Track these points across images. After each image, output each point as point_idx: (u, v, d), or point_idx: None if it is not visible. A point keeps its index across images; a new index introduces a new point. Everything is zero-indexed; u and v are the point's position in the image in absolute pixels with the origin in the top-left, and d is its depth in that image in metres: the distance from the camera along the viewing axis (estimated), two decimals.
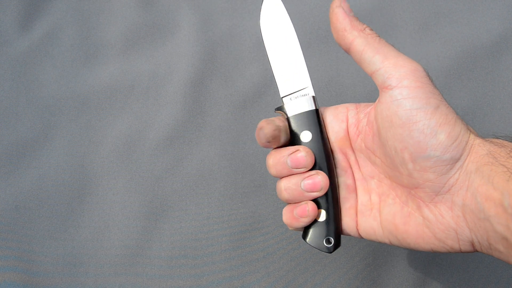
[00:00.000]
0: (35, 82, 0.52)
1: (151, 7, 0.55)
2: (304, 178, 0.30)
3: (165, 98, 0.50)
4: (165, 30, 0.54)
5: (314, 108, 0.32)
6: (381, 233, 0.30)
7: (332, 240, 0.31)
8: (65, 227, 0.45)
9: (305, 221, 0.30)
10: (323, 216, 0.31)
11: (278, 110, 0.32)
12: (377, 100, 0.29)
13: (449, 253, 0.42)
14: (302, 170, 0.30)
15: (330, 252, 0.31)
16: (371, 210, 0.31)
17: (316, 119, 0.31)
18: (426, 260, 0.42)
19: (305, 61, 0.33)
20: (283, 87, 0.32)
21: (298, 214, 0.30)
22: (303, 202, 0.30)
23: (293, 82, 0.32)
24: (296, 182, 0.30)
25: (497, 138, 0.27)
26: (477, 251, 0.27)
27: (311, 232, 0.31)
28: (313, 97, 0.32)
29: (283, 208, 0.45)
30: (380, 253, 0.43)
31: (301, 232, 0.45)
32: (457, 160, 0.26)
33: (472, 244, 0.26)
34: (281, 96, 0.33)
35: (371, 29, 0.30)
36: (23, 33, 0.54)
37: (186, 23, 0.53)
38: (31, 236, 0.45)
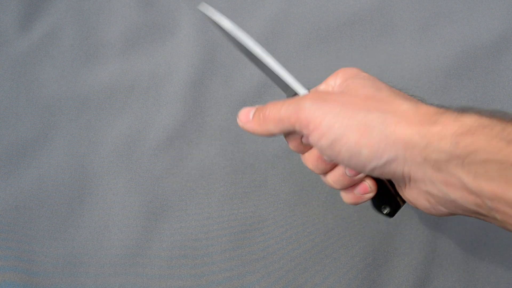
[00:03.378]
0: (35, 82, 0.52)
1: (151, 7, 0.55)
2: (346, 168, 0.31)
3: (165, 98, 0.50)
4: (165, 30, 0.54)
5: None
6: None
7: (388, 207, 0.33)
8: (65, 227, 0.45)
9: (369, 196, 0.32)
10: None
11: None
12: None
13: (449, 253, 0.42)
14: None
15: (391, 216, 0.33)
16: None
17: None
18: (426, 260, 0.42)
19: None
20: (285, 90, 0.33)
21: (360, 192, 0.32)
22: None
23: (287, 89, 0.33)
24: (341, 172, 0.31)
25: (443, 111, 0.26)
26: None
27: (373, 201, 0.33)
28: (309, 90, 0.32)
29: (283, 208, 0.45)
30: (380, 253, 0.43)
31: (301, 231, 0.45)
32: (395, 158, 0.26)
33: (452, 214, 0.28)
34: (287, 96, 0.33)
35: (257, 110, 0.31)
36: (23, 33, 0.54)
37: (186, 23, 0.53)
38: (31, 236, 0.45)
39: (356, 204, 0.33)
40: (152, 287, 0.42)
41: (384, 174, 0.27)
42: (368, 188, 0.31)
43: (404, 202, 0.32)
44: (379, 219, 0.44)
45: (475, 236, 0.43)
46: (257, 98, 0.50)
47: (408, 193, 0.29)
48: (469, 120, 0.24)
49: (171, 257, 0.44)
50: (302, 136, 0.31)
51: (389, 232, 0.43)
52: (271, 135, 0.30)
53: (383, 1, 0.53)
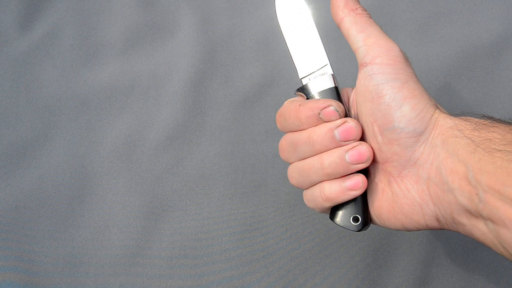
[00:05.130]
0: (35, 82, 0.52)
1: (151, 7, 0.55)
2: (348, 150, 0.28)
3: (165, 98, 0.50)
4: (165, 30, 0.54)
5: (333, 85, 0.31)
6: None
7: (360, 218, 0.30)
8: (65, 227, 0.45)
9: (354, 194, 0.29)
10: None
11: (298, 91, 0.32)
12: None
13: (449, 253, 0.42)
14: (351, 142, 0.29)
15: (359, 231, 0.30)
16: None
17: (336, 96, 0.31)
18: (426, 260, 0.42)
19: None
20: (302, 68, 0.33)
21: (349, 187, 0.29)
22: (355, 174, 0.29)
23: (312, 62, 0.33)
24: (339, 155, 0.28)
25: (464, 115, 0.28)
26: (443, 227, 0.27)
27: (340, 211, 0.30)
28: (332, 75, 0.32)
29: (283, 208, 0.45)
30: (380, 253, 0.43)
31: (301, 231, 0.45)
32: (421, 133, 0.27)
33: (437, 219, 0.27)
34: (300, 78, 0.33)
35: (364, 9, 0.31)
36: (23, 33, 0.54)
37: (186, 23, 0.53)
38: (31, 236, 0.45)
39: (335, 200, 0.29)
40: (152, 287, 0.42)
41: (394, 145, 0.27)
42: (361, 182, 0.28)
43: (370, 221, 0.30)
44: None
45: None
46: (257, 98, 0.50)
47: (402, 182, 0.28)
48: (495, 117, 0.27)
49: (171, 257, 0.44)
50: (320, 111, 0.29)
51: (389, 232, 0.43)
52: (339, 20, 0.31)
53: (383, 1, 0.53)
